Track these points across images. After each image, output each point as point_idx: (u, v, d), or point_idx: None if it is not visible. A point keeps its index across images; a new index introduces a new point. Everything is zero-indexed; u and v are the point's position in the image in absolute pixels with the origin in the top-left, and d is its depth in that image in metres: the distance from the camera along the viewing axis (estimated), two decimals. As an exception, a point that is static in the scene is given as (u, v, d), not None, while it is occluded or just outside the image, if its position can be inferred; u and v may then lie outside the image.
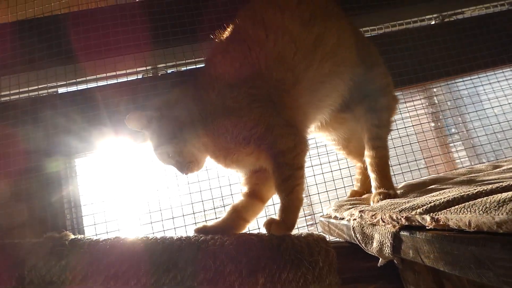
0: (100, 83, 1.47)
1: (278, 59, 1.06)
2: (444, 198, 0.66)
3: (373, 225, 0.80)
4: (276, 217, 1.02)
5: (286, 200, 1.00)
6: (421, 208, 0.67)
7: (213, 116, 1.05)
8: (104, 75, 1.46)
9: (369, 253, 0.84)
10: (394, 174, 1.49)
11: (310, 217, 1.54)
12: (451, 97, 1.76)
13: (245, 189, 1.17)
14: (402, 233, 0.68)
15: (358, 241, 0.86)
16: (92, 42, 1.42)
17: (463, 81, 1.72)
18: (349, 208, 1.01)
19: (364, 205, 1.00)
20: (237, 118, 1.02)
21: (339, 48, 1.13)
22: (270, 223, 1.00)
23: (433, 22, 1.67)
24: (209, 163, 1.17)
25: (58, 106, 1.44)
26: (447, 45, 1.58)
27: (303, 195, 1.03)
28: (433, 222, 0.60)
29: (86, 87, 1.53)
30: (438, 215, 0.60)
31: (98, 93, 1.46)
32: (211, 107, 1.06)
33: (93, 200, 1.39)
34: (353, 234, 0.88)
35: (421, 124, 1.70)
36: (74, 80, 1.46)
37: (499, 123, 1.65)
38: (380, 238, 0.76)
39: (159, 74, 1.55)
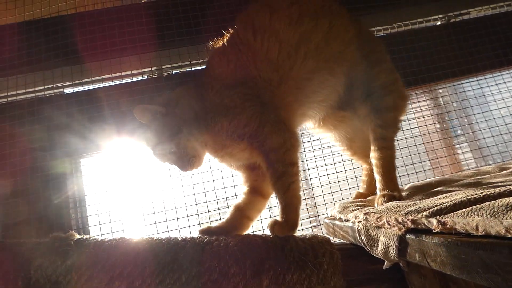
0: (106, 84, 1.48)
1: (265, 60, 1.10)
2: (451, 201, 0.66)
3: (379, 227, 0.79)
4: (279, 218, 1.02)
5: (283, 199, 1.01)
6: (428, 211, 0.66)
7: (212, 114, 1.08)
8: (110, 75, 1.47)
9: (374, 255, 0.83)
10: (400, 176, 1.49)
11: (314, 218, 1.53)
12: (457, 98, 1.74)
13: (245, 187, 1.18)
14: (408, 236, 0.68)
15: (363, 243, 0.86)
16: (98, 42, 1.43)
17: (469, 82, 1.71)
18: (354, 210, 1.00)
19: (369, 207, 0.99)
20: (232, 116, 1.06)
21: (329, 44, 1.13)
22: (273, 225, 1.01)
23: (438, 23, 1.66)
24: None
25: (64, 106, 1.45)
26: (453, 46, 1.57)
27: (301, 193, 1.04)
28: (440, 226, 0.59)
29: (91, 88, 1.55)
30: (445, 218, 0.59)
31: (103, 94, 1.47)
32: (211, 105, 1.10)
33: (98, 200, 1.40)
34: (358, 237, 0.88)
35: (426, 125, 1.69)
36: (80, 81, 1.48)
37: (505, 124, 1.63)
38: (386, 240, 0.75)
39: (164, 75, 1.56)
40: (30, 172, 1.36)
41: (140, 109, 1.09)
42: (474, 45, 1.56)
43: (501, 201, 0.53)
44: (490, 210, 0.52)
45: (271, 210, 1.42)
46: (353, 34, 1.19)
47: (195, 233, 1.07)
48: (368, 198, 1.21)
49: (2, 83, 1.41)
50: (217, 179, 1.40)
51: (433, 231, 0.61)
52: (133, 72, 1.55)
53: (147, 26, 1.52)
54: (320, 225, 1.48)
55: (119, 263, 0.84)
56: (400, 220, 0.70)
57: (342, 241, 1.06)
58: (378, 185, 1.08)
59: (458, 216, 0.57)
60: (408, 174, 1.55)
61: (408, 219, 0.68)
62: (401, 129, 1.56)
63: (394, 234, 0.72)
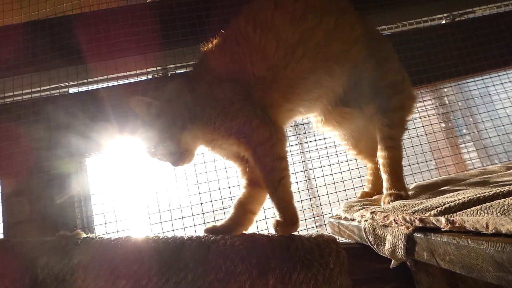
0: (111, 83, 1.49)
1: (261, 57, 1.09)
2: (459, 199, 0.65)
3: (386, 226, 0.79)
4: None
5: (275, 195, 1.01)
6: (436, 210, 0.66)
7: (202, 105, 1.09)
8: (115, 75, 1.47)
9: (381, 254, 0.83)
10: (405, 175, 1.48)
11: (318, 218, 1.53)
12: (462, 97, 1.73)
13: (243, 180, 1.18)
14: (416, 234, 0.67)
15: (370, 242, 0.86)
16: (103, 42, 1.43)
17: (474, 81, 1.70)
18: (360, 209, 1.00)
19: (375, 206, 0.99)
20: (221, 109, 1.06)
21: (331, 43, 1.11)
22: (276, 225, 1.00)
23: (443, 22, 1.65)
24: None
25: (69, 106, 1.45)
26: (458, 45, 1.56)
27: (292, 189, 1.03)
28: (449, 224, 0.59)
29: (96, 87, 1.55)
30: (454, 217, 0.59)
31: (108, 94, 1.48)
32: (201, 96, 1.10)
33: (103, 199, 1.41)
34: (364, 236, 0.88)
35: (431, 124, 1.68)
36: (86, 80, 1.48)
37: (511, 123, 1.62)
38: (393, 239, 0.75)
39: (169, 74, 1.56)
40: (35, 171, 1.36)
41: (136, 100, 1.08)
42: (479, 44, 1.55)
43: (511, 199, 0.53)
44: (500, 208, 0.52)
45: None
46: (360, 33, 1.17)
47: (200, 232, 1.07)
48: (374, 197, 1.20)
49: (8, 83, 1.41)
50: (222, 178, 1.40)
51: (442, 229, 0.61)
52: (138, 71, 1.55)
53: (152, 26, 1.52)
54: (325, 224, 1.48)
55: (125, 262, 0.84)
56: (407, 219, 0.70)
57: (347, 240, 1.06)
58: (385, 184, 1.08)
59: (467, 215, 0.57)
60: (413, 174, 1.54)
61: (416, 218, 0.68)
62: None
63: (401, 233, 0.72)
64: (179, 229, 1.32)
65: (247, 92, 1.09)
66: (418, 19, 1.61)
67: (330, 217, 1.21)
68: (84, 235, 0.90)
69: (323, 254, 0.91)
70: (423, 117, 1.63)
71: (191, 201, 1.39)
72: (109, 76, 1.47)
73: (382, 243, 0.80)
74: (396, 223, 0.73)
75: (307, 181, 1.56)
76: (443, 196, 0.79)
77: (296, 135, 1.62)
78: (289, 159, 1.09)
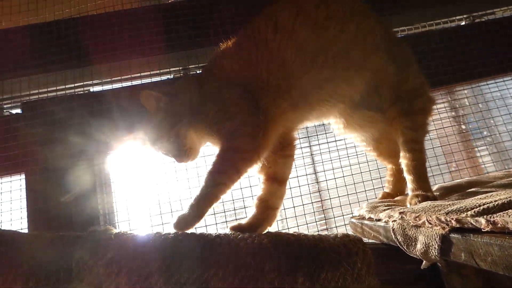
0: (135, 82, 1.51)
1: (278, 63, 1.07)
2: (495, 201, 0.66)
3: (417, 226, 0.79)
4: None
5: (204, 191, 0.98)
6: (472, 211, 0.66)
7: (206, 102, 1.10)
8: (138, 74, 1.49)
9: (411, 255, 0.83)
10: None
11: (325, 221, 1.51)
12: (476, 100, 1.73)
13: (261, 176, 1.18)
14: (452, 235, 0.68)
15: (399, 243, 0.86)
16: (126, 42, 1.45)
17: (487, 84, 1.69)
18: (385, 210, 1.00)
19: (402, 207, 0.99)
20: (222, 107, 1.07)
21: (352, 51, 1.11)
22: (181, 219, 0.96)
23: (463, 23, 1.65)
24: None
25: (89, 105, 1.47)
26: (477, 46, 1.56)
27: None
28: (490, 225, 0.59)
29: (111, 88, 1.57)
30: (495, 217, 0.59)
31: (127, 93, 1.50)
32: (209, 93, 1.11)
33: (123, 196, 1.42)
34: (393, 236, 0.88)
35: (443, 128, 1.67)
36: (109, 79, 1.50)
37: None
38: (426, 240, 0.75)
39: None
40: (56, 168, 1.38)
41: (146, 94, 1.10)
42: (499, 45, 1.55)
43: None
44: (546, 210, 0.52)
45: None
46: (379, 38, 1.17)
47: (223, 231, 1.08)
48: (396, 198, 1.20)
49: (24, 83, 1.43)
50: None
51: (482, 230, 0.61)
52: (162, 71, 1.57)
53: (156, 29, 1.53)
54: (329, 228, 1.48)
55: (157, 257, 0.85)
56: (442, 219, 0.70)
57: (371, 240, 1.06)
58: (410, 185, 1.08)
59: (509, 215, 0.57)
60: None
61: (452, 219, 0.68)
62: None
63: (436, 233, 0.72)
64: (201, 227, 1.33)
65: (254, 99, 1.08)
66: (438, 20, 1.60)
67: (352, 217, 1.21)
68: (116, 231, 0.91)
69: (350, 253, 0.92)
70: (436, 120, 1.62)
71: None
72: (132, 76, 1.49)
73: (413, 243, 0.81)
74: (430, 223, 0.74)
75: (316, 183, 1.56)
76: (475, 198, 0.79)
77: (307, 137, 1.62)
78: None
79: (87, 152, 1.41)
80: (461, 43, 1.56)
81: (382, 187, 1.44)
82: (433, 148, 1.60)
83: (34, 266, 0.82)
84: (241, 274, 0.85)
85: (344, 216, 1.47)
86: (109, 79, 1.57)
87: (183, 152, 1.11)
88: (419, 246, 0.78)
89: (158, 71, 1.57)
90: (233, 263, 0.87)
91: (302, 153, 1.55)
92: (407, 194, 1.17)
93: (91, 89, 1.60)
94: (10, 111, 1.50)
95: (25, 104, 1.43)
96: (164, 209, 1.41)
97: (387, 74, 1.16)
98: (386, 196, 1.27)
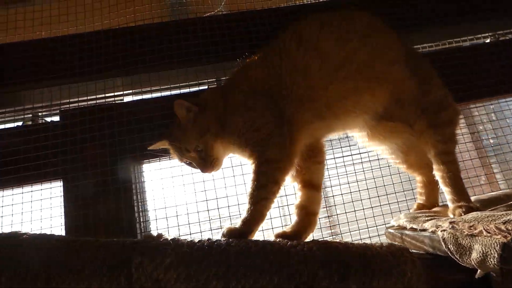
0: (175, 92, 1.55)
1: (303, 74, 1.13)
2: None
3: (472, 236, 0.81)
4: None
5: (250, 210, 1.02)
6: (534, 220, 0.69)
7: (233, 113, 1.14)
8: (178, 85, 1.54)
9: (463, 264, 0.85)
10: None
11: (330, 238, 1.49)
12: (495, 117, 1.75)
13: (296, 183, 1.22)
14: (515, 243, 0.70)
15: (451, 252, 0.88)
16: (175, 52, 1.50)
17: (506, 101, 1.72)
18: (428, 220, 1.02)
19: (446, 217, 1.01)
20: (249, 118, 1.11)
21: (374, 63, 1.16)
22: (230, 231, 1.00)
23: (488, 40, 1.70)
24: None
25: (123, 115, 1.50)
26: (502, 63, 1.60)
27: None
28: (558, 233, 0.62)
29: (160, 96, 1.61)
30: (562, 226, 0.62)
31: (165, 102, 1.53)
32: (235, 104, 1.15)
33: (159, 205, 1.44)
34: (443, 245, 0.90)
35: (465, 143, 1.69)
36: (149, 89, 1.54)
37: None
38: (484, 249, 0.77)
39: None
40: (95, 176, 1.40)
41: (178, 103, 1.14)
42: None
43: None
44: None
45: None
46: (399, 52, 1.23)
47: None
48: (435, 209, 1.22)
49: (73, 89, 1.48)
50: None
51: (550, 238, 0.63)
52: (190, 83, 1.61)
53: (203, 40, 1.59)
54: None
55: (214, 263, 0.86)
56: (503, 228, 0.73)
57: (413, 250, 1.07)
58: (449, 196, 1.10)
59: None
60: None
61: (514, 227, 0.70)
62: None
63: (495, 242, 0.74)
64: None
65: (279, 109, 1.12)
66: (464, 38, 1.66)
67: (388, 227, 1.23)
68: (171, 237, 0.93)
69: (399, 262, 0.93)
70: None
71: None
72: (171, 85, 1.53)
73: (467, 252, 0.82)
74: (488, 232, 0.76)
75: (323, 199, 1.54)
76: (529, 208, 0.81)
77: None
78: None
79: (123, 161, 1.43)
80: (485, 60, 1.61)
81: (389, 203, 1.45)
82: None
83: (96, 271, 0.83)
84: (295, 281, 0.87)
85: (351, 233, 1.46)
86: (139, 90, 1.61)
87: (209, 162, 1.14)
88: (474, 255, 0.80)
89: (187, 83, 1.62)
90: (286, 270, 0.88)
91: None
92: (444, 205, 1.19)
93: (124, 99, 1.64)
94: (48, 119, 1.54)
95: (64, 112, 1.47)
96: (201, 216, 1.43)
97: (408, 87, 1.20)
98: (421, 207, 1.29)
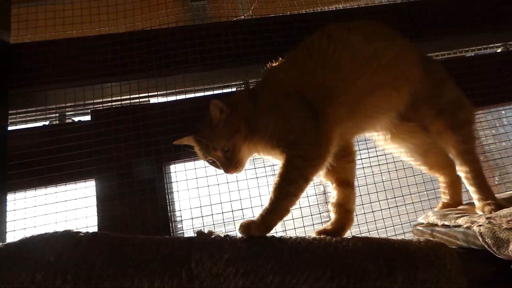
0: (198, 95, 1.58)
1: (334, 69, 1.17)
2: None
3: (510, 229, 0.88)
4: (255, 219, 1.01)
5: (275, 204, 1.01)
6: None
7: (261, 113, 1.16)
8: (202, 87, 1.57)
9: (500, 256, 0.91)
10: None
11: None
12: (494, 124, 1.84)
13: (331, 182, 1.26)
14: (556, 234, 0.76)
15: (488, 245, 0.94)
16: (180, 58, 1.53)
17: (504, 109, 1.83)
18: (461, 217, 1.09)
19: (477, 214, 1.08)
20: (280, 117, 1.13)
21: (398, 63, 1.22)
22: (249, 224, 0.97)
23: (499, 50, 1.81)
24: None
25: (152, 116, 1.52)
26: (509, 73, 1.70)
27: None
28: None
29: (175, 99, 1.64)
30: None
31: (191, 104, 1.56)
32: (265, 105, 1.17)
33: (185, 206, 1.46)
34: (480, 239, 0.96)
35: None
36: (174, 90, 1.57)
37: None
38: (524, 241, 0.84)
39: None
40: (125, 176, 1.42)
41: (213, 103, 1.15)
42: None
43: None
44: None
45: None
46: (418, 56, 1.31)
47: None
48: (462, 207, 1.29)
49: (106, 89, 1.49)
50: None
51: None
52: (213, 86, 1.65)
53: (227, 44, 1.63)
54: None
55: (270, 258, 0.90)
56: (544, 221, 0.79)
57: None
58: (475, 195, 1.17)
59: None
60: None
61: (556, 220, 0.77)
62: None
63: (537, 234, 0.80)
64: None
65: (312, 108, 1.14)
66: (473, 47, 1.76)
67: (416, 225, 1.29)
68: (221, 233, 0.96)
69: (439, 256, 0.99)
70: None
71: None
72: (195, 88, 1.56)
73: (505, 244, 0.89)
74: (529, 225, 0.83)
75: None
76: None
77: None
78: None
79: (154, 162, 1.45)
80: (496, 69, 1.70)
81: (389, 208, 1.53)
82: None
83: (157, 267, 0.85)
84: (346, 274, 0.91)
85: (378, 231, 1.53)
86: (165, 92, 1.64)
87: (234, 163, 1.15)
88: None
89: (210, 86, 1.65)
90: (336, 264, 0.93)
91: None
92: (469, 204, 1.26)
93: (151, 100, 1.66)
94: (76, 118, 1.55)
95: (94, 112, 1.48)
96: (225, 217, 1.46)
97: (424, 89, 1.26)
98: (446, 206, 1.35)
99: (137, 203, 1.38)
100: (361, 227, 1.54)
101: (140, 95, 1.63)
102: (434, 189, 1.54)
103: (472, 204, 1.22)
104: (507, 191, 1.45)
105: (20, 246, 0.82)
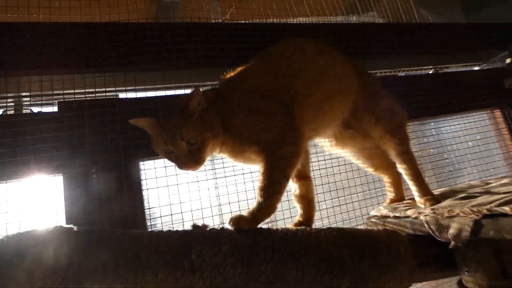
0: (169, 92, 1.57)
1: (299, 74, 1.31)
2: (506, 197, 1.02)
3: (451, 217, 1.11)
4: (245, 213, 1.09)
5: (263, 204, 1.09)
6: (494, 203, 1.01)
7: (236, 114, 1.19)
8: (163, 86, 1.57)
9: (440, 239, 1.15)
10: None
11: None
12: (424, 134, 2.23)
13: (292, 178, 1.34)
14: (483, 220, 1.01)
15: (432, 231, 1.17)
16: (173, 54, 1.54)
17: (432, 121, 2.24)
18: (408, 209, 1.32)
19: (420, 207, 1.33)
20: (257, 118, 1.17)
21: (341, 77, 1.42)
22: (239, 218, 1.04)
23: (431, 72, 2.18)
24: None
25: (120, 111, 1.47)
26: (440, 90, 2.06)
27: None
28: (512, 211, 0.94)
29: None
30: (513, 206, 0.94)
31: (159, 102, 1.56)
32: (236, 105, 1.21)
33: (156, 203, 1.45)
34: (426, 226, 1.18)
35: None
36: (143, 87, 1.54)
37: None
38: (459, 226, 1.07)
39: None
40: (94, 172, 1.35)
41: (197, 93, 1.14)
42: (455, 91, 2.07)
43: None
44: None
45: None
46: (354, 71, 1.50)
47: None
48: (406, 201, 1.53)
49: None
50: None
51: (508, 214, 0.95)
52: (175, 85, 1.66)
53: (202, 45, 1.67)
54: None
55: (263, 249, 0.99)
56: (475, 209, 1.04)
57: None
58: (415, 192, 1.40)
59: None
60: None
61: (483, 209, 1.01)
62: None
63: (469, 220, 1.04)
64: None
65: (286, 109, 1.24)
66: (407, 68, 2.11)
67: (370, 217, 1.50)
68: (218, 226, 1.01)
69: (394, 242, 1.19)
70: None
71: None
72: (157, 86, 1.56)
73: (445, 230, 1.12)
74: (464, 213, 1.06)
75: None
76: (482, 197, 1.16)
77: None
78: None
79: (118, 158, 1.41)
80: (428, 87, 2.05)
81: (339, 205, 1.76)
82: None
83: (158, 260, 0.87)
84: (328, 261, 1.05)
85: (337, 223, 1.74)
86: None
87: (196, 159, 1.12)
88: (451, 231, 1.10)
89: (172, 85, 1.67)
90: (319, 252, 1.06)
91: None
92: (412, 199, 1.52)
93: (120, 95, 1.61)
94: (35, 109, 1.41)
95: (62, 104, 1.37)
96: (204, 213, 1.49)
97: (363, 98, 1.46)
98: (393, 201, 1.60)
99: (113, 200, 1.33)
100: (317, 222, 1.73)
101: (107, 89, 1.56)
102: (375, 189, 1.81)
103: (413, 199, 1.48)
104: (437, 189, 1.77)
105: (12, 243, 0.76)
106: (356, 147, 1.61)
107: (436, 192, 1.57)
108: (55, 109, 1.40)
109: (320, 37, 1.84)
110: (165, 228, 1.34)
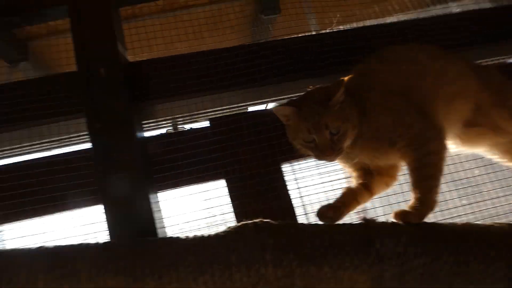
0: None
1: (425, 76, 1.30)
2: None
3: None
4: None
5: (423, 199, 1.09)
6: None
7: (372, 114, 1.19)
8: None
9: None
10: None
11: None
12: None
13: (356, 183, 1.32)
14: None
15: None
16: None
17: None
18: None
19: None
20: (397, 117, 1.18)
21: (459, 76, 1.36)
22: (405, 213, 1.08)
23: None
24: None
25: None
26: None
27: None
28: None
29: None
30: None
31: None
32: (374, 103, 1.21)
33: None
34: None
35: None
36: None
37: None
38: None
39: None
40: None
41: (341, 82, 1.17)
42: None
43: None
44: None
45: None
46: (473, 73, 1.41)
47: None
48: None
49: None
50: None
51: None
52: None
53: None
54: None
55: (443, 241, 1.01)
56: None
57: None
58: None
59: None
60: None
61: None
62: None
63: None
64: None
65: (420, 106, 1.22)
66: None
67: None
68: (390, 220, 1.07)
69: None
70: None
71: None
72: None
73: None
74: None
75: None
76: None
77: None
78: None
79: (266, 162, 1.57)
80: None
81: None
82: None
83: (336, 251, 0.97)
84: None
85: None
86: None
87: (336, 149, 1.13)
88: None
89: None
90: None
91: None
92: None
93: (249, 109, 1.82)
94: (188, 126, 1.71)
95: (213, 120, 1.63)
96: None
97: (487, 95, 1.38)
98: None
99: (269, 201, 1.49)
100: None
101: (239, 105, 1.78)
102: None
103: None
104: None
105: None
106: (488, 144, 1.51)
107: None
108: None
109: (425, 32, 1.79)
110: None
